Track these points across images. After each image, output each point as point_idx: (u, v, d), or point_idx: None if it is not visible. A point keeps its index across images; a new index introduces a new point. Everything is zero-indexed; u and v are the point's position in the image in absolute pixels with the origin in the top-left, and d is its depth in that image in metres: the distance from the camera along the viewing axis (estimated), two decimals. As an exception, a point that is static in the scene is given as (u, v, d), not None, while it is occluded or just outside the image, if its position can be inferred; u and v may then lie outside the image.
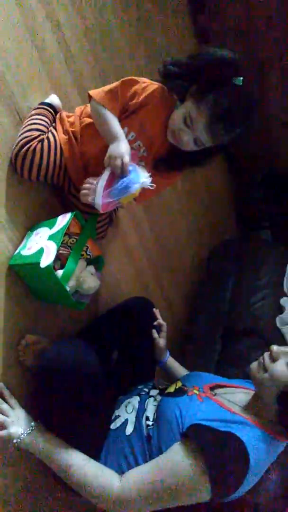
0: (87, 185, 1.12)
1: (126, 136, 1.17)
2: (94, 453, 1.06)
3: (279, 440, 0.98)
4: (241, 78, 1.05)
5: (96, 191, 1.09)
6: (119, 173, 1.09)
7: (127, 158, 1.08)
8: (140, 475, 0.96)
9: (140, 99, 1.15)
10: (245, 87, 1.06)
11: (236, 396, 1.09)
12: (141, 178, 1.11)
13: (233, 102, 1.07)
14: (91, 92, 1.15)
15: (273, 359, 0.98)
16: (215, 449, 0.90)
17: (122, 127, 1.15)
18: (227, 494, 0.92)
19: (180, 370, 1.41)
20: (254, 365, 1.03)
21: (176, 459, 0.93)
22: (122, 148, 1.09)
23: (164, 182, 1.34)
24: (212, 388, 1.14)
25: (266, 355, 1.01)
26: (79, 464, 1.00)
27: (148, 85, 1.16)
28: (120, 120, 1.15)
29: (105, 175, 1.10)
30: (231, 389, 1.15)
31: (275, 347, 1.00)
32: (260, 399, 1.02)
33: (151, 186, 1.13)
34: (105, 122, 1.13)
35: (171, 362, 1.40)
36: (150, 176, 1.13)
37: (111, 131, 1.12)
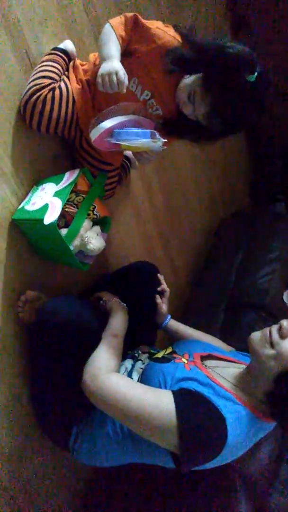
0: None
1: (140, 95, 1.15)
2: (86, 411, 1.06)
3: (264, 421, 0.93)
4: (255, 74, 0.99)
5: (99, 125, 1.08)
6: (115, 90, 1.04)
7: (121, 73, 1.03)
8: (128, 383, 0.94)
9: (157, 44, 1.08)
10: (260, 83, 1.00)
11: (227, 370, 1.04)
12: (152, 139, 1.09)
13: (241, 99, 1.02)
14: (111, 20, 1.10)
15: (283, 336, 0.90)
16: (192, 421, 0.86)
17: (135, 83, 1.12)
18: (194, 464, 0.89)
19: (186, 332, 1.36)
20: (256, 336, 0.94)
21: (160, 400, 0.89)
22: (115, 64, 1.04)
23: None
24: (204, 358, 1.10)
25: (275, 329, 0.92)
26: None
27: (168, 40, 1.08)
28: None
29: (119, 118, 1.08)
30: (225, 363, 1.11)
31: (285, 322, 0.91)
32: (251, 375, 0.96)
33: (161, 148, 1.10)
34: (105, 43, 1.07)
35: (173, 325, 1.38)
36: (164, 144, 1.10)
37: (106, 52, 1.06)
